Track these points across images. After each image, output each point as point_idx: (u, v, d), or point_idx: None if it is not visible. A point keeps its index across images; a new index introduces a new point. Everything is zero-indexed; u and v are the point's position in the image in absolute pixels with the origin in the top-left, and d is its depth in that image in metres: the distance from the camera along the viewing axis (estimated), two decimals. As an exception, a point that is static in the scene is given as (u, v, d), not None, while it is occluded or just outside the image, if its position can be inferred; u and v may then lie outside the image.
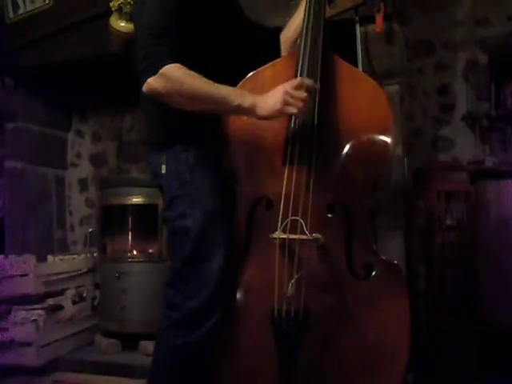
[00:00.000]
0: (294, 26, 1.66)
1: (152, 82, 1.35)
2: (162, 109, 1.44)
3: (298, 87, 1.34)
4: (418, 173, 2.45)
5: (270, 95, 1.36)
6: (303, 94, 1.34)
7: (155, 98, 1.39)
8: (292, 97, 1.33)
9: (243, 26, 1.65)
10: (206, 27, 1.49)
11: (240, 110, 1.38)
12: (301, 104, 1.34)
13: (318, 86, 1.41)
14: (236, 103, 1.36)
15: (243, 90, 1.44)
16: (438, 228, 2.28)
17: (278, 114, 1.35)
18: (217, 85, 1.36)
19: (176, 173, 1.47)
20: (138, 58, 1.40)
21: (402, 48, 2.23)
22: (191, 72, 1.35)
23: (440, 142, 2.78)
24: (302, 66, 1.47)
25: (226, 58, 1.53)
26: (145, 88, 1.37)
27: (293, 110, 1.34)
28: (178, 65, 1.35)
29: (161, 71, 1.34)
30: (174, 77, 1.34)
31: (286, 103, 1.33)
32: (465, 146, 2.72)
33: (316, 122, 1.43)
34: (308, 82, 1.38)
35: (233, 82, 1.49)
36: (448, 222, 2.32)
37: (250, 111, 1.37)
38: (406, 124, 2.55)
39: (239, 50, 1.56)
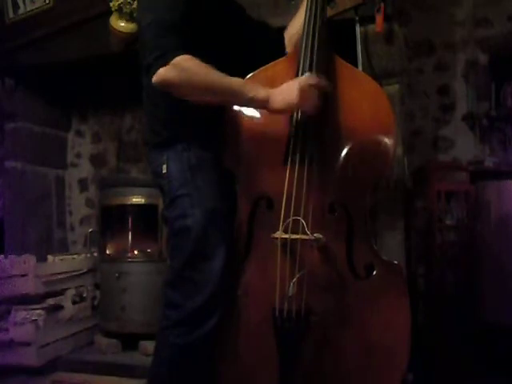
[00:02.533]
0: (297, 23, 1.65)
1: (164, 73, 1.33)
2: (164, 109, 1.44)
3: (313, 85, 1.38)
4: (418, 173, 2.46)
5: (285, 89, 1.38)
6: (316, 93, 1.37)
7: (166, 88, 1.37)
8: (307, 93, 1.36)
9: (247, 27, 1.65)
10: (209, 28, 1.49)
11: (254, 102, 1.39)
12: (315, 101, 1.37)
13: (331, 86, 1.43)
14: (250, 95, 1.37)
15: (256, 83, 1.44)
16: (437, 228, 2.29)
17: (294, 107, 1.39)
18: (230, 77, 1.37)
19: (177, 172, 1.47)
20: (146, 49, 1.38)
21: (401, 48, 2.23)
22: (203, 63, 1.35)
23: (440, 141, 2.78)
24: (303, 66, 1.46)
25: (229, 59, 1.52)
26: (156, 78, 1.35)
27: (309, 106, 1.38)
28: (189, 56, 1.34)
29: (173, 61, 1.32)
30: (186, 67, 1.34)
31: (302, 98, 1.36)
32: (465, 146, 2.72)
33: (317, 122, 1.43)
34: (324, 83, 1.40)
35: None
36: (448, 222, 2.32)
37: (263, 103, 1.38)
38: (406, 124, 2.56)
39: (242, 51, 1.57)
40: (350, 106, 1.47)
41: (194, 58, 1.35)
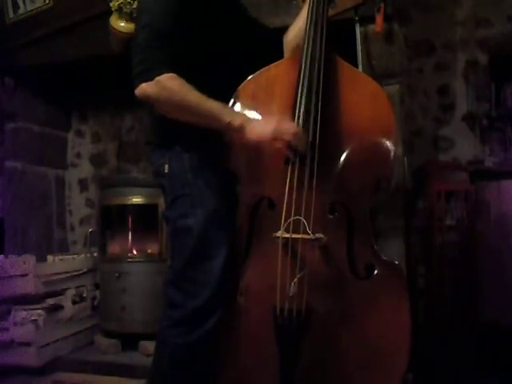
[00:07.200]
0: (295, 29, 1.64)
1: (145, 88, 1.36)
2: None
3: (292, 132, 1.37)
4: (418, 173, 2.45)
5: (263, 123, 1.40)
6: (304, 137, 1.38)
7: (147, 102, 1.40)
8: (281, 134, 1.36)
9: (247, 27, 1.65)
10: (209, 29, 1.49)
11: (230, 128, 1.39)
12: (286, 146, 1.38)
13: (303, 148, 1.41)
14: (227, 121, 1.37)
15: (234, 110, 1.47)
16: (438, 228, 2.28)
17: (265, 142, 1.38)
18: (210, 100, 1.37)
19: (178, 173, 1.47)
20: (134, 60, 1.39)
21: (401, 48, 2.23)
22: (186, 84, 1.36)
23: (440, 141, 2.78)
24: (304, 68, 1.46)
25: (230, 60, 1.53)
26: (138, 92, 1.37)
27: (279, 145, 1.37)
28: (173, 75, 1.36)
29: (156, 79, 1.34)
30: (168, 86, 1.35)
31: (274, 137, 1.36)
32: (465, 146, 2.72)
33: (318, 122, 1.43)
34: (300, 137, 1.39)
35: (235, 84, 1.50)
36: (448, 222, 2.32)
37: (239, 131, 1.39)
38: (406, 124, 2.56)
39: (243, 52, 1.57)
40: (351, 107, 1.46)
41: (178, 78, 1.36)
